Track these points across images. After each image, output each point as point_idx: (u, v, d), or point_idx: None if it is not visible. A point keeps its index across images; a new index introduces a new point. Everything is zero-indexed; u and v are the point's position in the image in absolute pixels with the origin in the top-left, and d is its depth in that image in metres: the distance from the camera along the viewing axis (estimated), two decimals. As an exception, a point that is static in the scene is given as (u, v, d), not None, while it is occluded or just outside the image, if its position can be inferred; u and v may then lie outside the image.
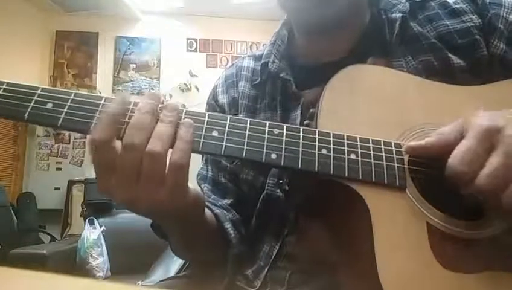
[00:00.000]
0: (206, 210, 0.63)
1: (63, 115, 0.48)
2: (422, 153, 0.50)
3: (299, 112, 0.66)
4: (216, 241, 0.65)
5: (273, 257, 0.64)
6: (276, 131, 0.50)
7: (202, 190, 0.73)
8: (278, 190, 0.65)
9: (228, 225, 0.66)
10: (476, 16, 0.64)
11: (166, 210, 0.49)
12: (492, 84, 0.59)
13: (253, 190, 0.68)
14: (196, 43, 4.74)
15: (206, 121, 0.50)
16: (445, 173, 0.46)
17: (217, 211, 0.67)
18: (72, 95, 0.49)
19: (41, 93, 0.49)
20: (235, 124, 0.50)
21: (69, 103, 0.49)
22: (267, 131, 0.50)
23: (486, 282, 0.46)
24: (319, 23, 0.67)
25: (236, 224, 0.69)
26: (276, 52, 0.72)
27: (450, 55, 0.62)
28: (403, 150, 0.51)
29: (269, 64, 0.71)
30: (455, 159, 0.46)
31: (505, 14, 0.64)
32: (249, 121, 0.50)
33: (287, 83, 0.68)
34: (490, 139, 0.46)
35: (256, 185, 0.68)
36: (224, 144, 0.49)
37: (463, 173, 0.45)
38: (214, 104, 0.78)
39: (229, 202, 0.71)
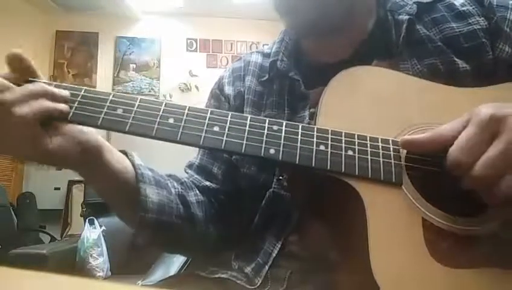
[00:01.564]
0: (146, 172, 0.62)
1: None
2: (417, 148, 0.50)
3: (307, 112, 0.66)
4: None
5: (273, 255, 0.64)
6: (275, 127, 0.52)
7: (187, 173, 0.77)
8: (285, 182, 0.65)
9: (173, 192, 0.66)
10: (482, 18, 0.64)
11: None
12: (494, 86, 0.59)
13: (254, 186, 0.68)
14: (196, 43, 4.74)
15: (208, 117, 0.51)
16: (446, 163, 0.46)
17: (162, 180, 0.66)
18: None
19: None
20: (236, 120, 0.52)
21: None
22: (266, 127, 0.51)
23: (481, 278, 0.47)
24: (312, 27, 0.66)
25: (201, 204, 0.70)
26: (284, 50, 0.72)
27: (456, 59, 0.62)
28: (399, 144, 0.51)
29: (278, 62, 0.71)
30: (455, 147, 0.46)
31: (511, 17, 0.63)
32: (249, 118, 0.52)
33: (295, 82, 0.68)
34: (493, 127, 0.45)
35: (257, 181, 0.68)
36: (224, 138, 0.50)
37: (461, 161, 0.45)
38: (218, 93, 0.78)
39: (213, 186, 0.73)
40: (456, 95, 0.58)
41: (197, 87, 4.55)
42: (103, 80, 4.60)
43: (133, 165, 0.61)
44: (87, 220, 2.96)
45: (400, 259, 0.47)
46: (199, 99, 4.15)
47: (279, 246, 0.65)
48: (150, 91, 4.59)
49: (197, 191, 0.72)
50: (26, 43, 4.26)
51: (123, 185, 0.60)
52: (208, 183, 0.74)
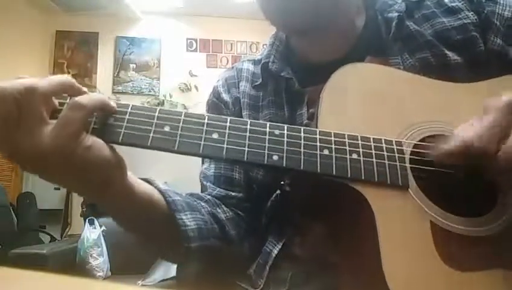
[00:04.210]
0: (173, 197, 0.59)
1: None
2: (451, 160, 0.48)
3: (304, 109, 0.66)
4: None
5: (273, 255, 0.64)
6: (277, 132, 0.50)
7: (206, 187, 0.73)
8: (287, 187, 0.65)
9: (197, 216, 0.61)
10: (471, 13, 0.65)
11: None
12: (489, 80, 0.59)
13: (263, 189, 0.68)
14: (196, 43, 4.74)
15: (206, 123, 0.49)
16: (468, 153, 0.45)
17: (191, 202, 0.63)
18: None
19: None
20: (236, 125, 0.49)
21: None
22: (268, 132, 0.49)
23: (492, 280, 0.46)
24: (299, 24, 0.65)
25: (232, 222, 0.67)
26: (275, 53, 0.72)
27: (446, 51, 0.63)
28: (433, 159, 0.48)
29: (269, 64, 0.71)
30: (476, 137, 0.45)
31: (500, 11, 0.64)
32: (249, 122, 0.50)
33: (290, 81, 0.68)
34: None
35: (265, 184, 0.67)
36: (225, 146, 0.48)
37: (485, 149, 0.45)
38: (215, 102, 0.78)
39: (240, 195, 0.70)
40: (454, 91, 0.58)
41: (197, 87, 4.55)
42: (103, 80, 4.59)
43: (161, 192, 0.58)
44: (87, 220, 2.96)
45: (411, 264, 0.46)
46: (199, 99, 4.15)
47: (279, 246, 0.64)
48: (150, 91, 4.59)
49: (224, 208, 0.69)
50: (26, 43, 4.26)
51: (150, 212, 0.56)
52: (234, 193, 0.70)
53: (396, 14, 0.66)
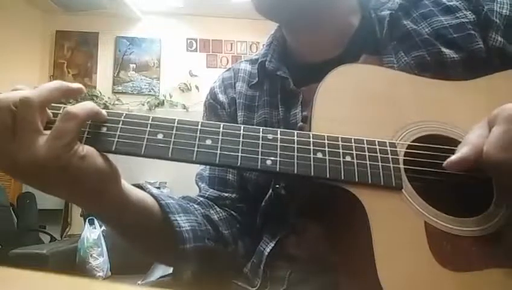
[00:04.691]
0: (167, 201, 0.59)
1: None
2: (464, 167, 0.47)
3: (299, 109, 0.67)
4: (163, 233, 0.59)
5: (266, 253, 0.64)
6: (270, 136, 0.50)
7: (200, 188, 0.74)
8: (282, 191, 0.65)
9: (190, 218, 0.62)
10: (469, 12, 0.66)
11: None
12: (482, 78, 0.59)
13: (257, 189, 0.68)
14: (196, 43, 4.74)
15: (199, 130, 0.49)
16: (483, 164, 0.45)
17: (185, 204, 0.64)
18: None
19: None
20: (229, 131, 0.50)
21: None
22: (261, 137, 0.50)
23: (487, 280, 0.46)
24: (288, 18, 0.67)
25: (225, 222, 0.68)
26: (272, 52, 0.73)
27: (443, 49, 0.63)
28: (444, 165, 0.48)
29: (266, 63, 0.71)
30: (491, 146, 0.44)
31: (498, 9, 0.65)
32: (242, 128, 0.50)
33: (285, 80, 0.69)
34: None
35: (259, 184, 0.68)
36: (218, 152, 0.48)
37: (504, 158, 0.43)
38: (212, 103, 0.78)
39: (233, 196, 0.71)
40: (450, 90, 0.58)
41: (197, 87, 4.55)
42: (103, 80, 4.59)
43: (154, 197, 0.58)
44: (87, 220, 2.96)
45: (405, 266, 0.46)
46: (199, 99, 4.15)
47: (272, 245, 0.65)
48: (150, 91, 4.59)
49: (217, 208, 0.70)
50: (26, 43, 4.26)
51: (146, 217, 0.56)
52: (227, 194, 0.71)
53: (388, 12, 0.67)
